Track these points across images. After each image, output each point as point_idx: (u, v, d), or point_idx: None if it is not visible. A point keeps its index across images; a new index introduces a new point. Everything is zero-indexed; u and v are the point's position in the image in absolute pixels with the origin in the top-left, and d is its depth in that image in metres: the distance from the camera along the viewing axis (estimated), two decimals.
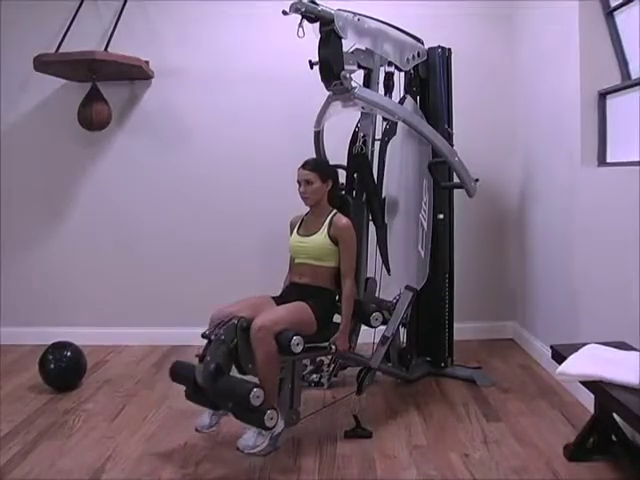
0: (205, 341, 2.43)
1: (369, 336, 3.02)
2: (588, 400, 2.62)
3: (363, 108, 2.95)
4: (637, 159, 2.58)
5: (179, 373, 2.57)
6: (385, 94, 3.10)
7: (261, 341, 2.38)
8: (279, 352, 2.42)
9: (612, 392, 1.99)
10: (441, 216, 3.32)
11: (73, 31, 3.77)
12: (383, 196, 3.11)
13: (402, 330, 3.18)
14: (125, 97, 4.02)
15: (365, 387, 2.83)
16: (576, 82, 2.97)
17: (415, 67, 3.22)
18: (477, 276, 3.99)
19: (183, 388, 2.55)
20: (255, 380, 2.41)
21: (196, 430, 2.51)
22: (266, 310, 2.53)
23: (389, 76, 3.14)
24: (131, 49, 3.72)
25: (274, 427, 2.34)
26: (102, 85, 3.84)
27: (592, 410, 2.48)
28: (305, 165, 2.78)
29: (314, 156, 3.12)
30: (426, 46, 3.26)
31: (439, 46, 3.30)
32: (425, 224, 3.14)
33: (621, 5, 2.80)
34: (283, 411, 2.52)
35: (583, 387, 2.21)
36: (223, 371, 2.37)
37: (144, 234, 4.07)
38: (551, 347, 2.47)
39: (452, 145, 3.15)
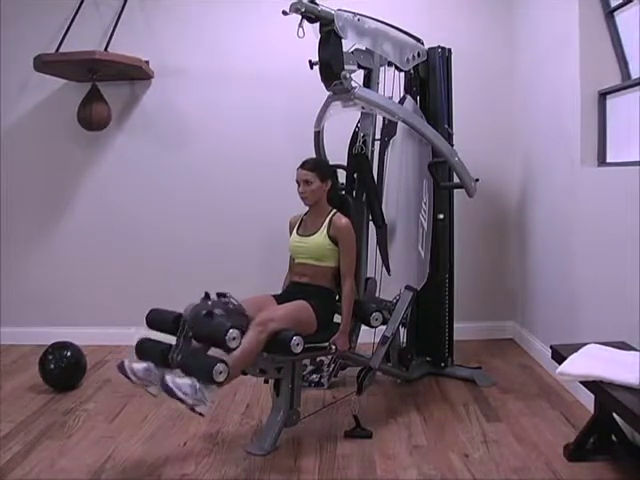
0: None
1: (369, 336, 3.02)
2: (588, 400, 2.62)
3: (363, 108, 2.95)
4: (637, 159, 2.58)
5: (157, 312, 2.52)
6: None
7: (257, 332, 2.37)
8: (277, 352, 2.43)
9: (612, 392, 1.98)
10: (441, 216, 3.32)
11: (73, 31, 3.76)
12: (383, 196, 3.11)
13: (402, 330, 3.18)
14: (125, 97, 4.02)
15: (365, 387, 2.83)
16: (576, 82, 2.97)
17: (415, 67, 3.22)
18: (477, 276, 3.99)
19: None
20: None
21: (119, 367, 2.35)
22: (267, 309, 2.54)
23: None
24: (131, 49, 3.72)
25: (219, 384, 2.21)
26: (102, 85, 3.84)
27: (592, 410, 2.48)
28: (304, 165, 2.78)
29: (314, 156, 3.12)
30: (426, 46, 3.26)
31: (439, 46, 3.30)
32: (425, 224, 3.14)
33: (621, 5, 2.80)
34: (283, 411, 2.53)
35: (583, 387, 2.20)
36: (212, 317, 2.35)
37: (144, 234, 4.07)
38: (551, 347, 2.47)
39: (452, 145, 3.15)
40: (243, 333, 2.37)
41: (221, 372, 2.19)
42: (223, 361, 2.22)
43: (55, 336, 3.43)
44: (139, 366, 2.34)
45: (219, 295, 2.42)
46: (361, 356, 2.98)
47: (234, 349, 2.23)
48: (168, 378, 2.17)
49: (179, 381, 2.17)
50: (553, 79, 3.30)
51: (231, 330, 2.21)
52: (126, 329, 4.01)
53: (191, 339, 2.32)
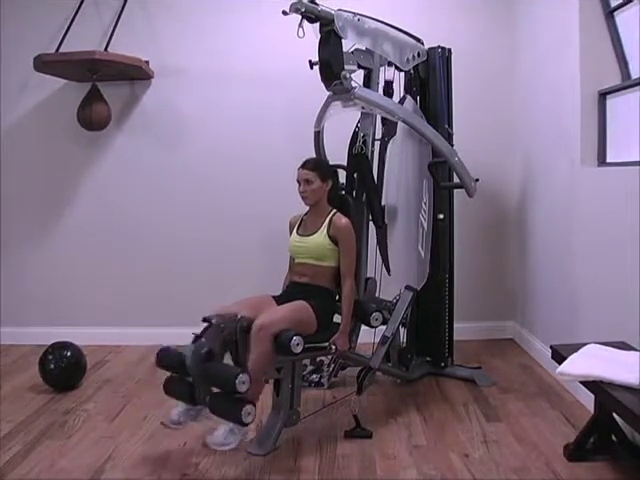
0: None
1: (369, 336, 3.02)
2: (588, 400, 2.62)
3: (363, 108, 2.96)
4: (637, 159, 2.58)
5: (166, 357, 2.52)
6: None
7: (261, 341, 2.39)
8: (277, 352, 2.43)
9: (612, 392, 1.99)
10: (441, 216, 3.33)
11: (73, 31, 3.77)
12: (383, 196, 3.11)
13: (402, 330, 3.18)
14: (125, 97, 4.02)
15: (365, 387, 2.83)
16: (576, 82, 2.97)
17: (415, 67, 3.22)
18: (477, 276, 3.99)
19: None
20: None
21: (162, 424, 2.49)
22: (267, 310, 2.54)
23: (389, 84, 3.15)
24: (131, 49, 3.72)
25: (249, 424, 2.31)
26: (102, 85, 3.84)
27: (592, 410, 2.48)
28: (305, 165, 2.78)
29: (314, 156, 3.12)
30: (426, 46, 3.26)
31: (439, 46, 3.30)
32: (425, 224, 3.14)
33: (621, 5, 2.80)
34: (283, 411, 2.53)
35: (583, 387, 2.21)
36: (214, 357, 2.37)
37: (144, 234, 4.07)
38: (551, 347, 2.47)
39: (452, 145, 3.15)
40: (249, 328, 2.41)
41: (249, 413, 2.28)
42: (250, 401, 2.29)
43: (55, 336, 3.42)
44: (175, 415, 2.45)
45: (204, 321, 2.44)
46: (361, 356, 2.98)
47: (245, 392, 2.28)
48: (210, 442, 2.32)
49: (219, 438, 2.30)
50: (553, 79, 3.30)
51: (240, 376, 2.25)
52: (126, 329, 4.03)
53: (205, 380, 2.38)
